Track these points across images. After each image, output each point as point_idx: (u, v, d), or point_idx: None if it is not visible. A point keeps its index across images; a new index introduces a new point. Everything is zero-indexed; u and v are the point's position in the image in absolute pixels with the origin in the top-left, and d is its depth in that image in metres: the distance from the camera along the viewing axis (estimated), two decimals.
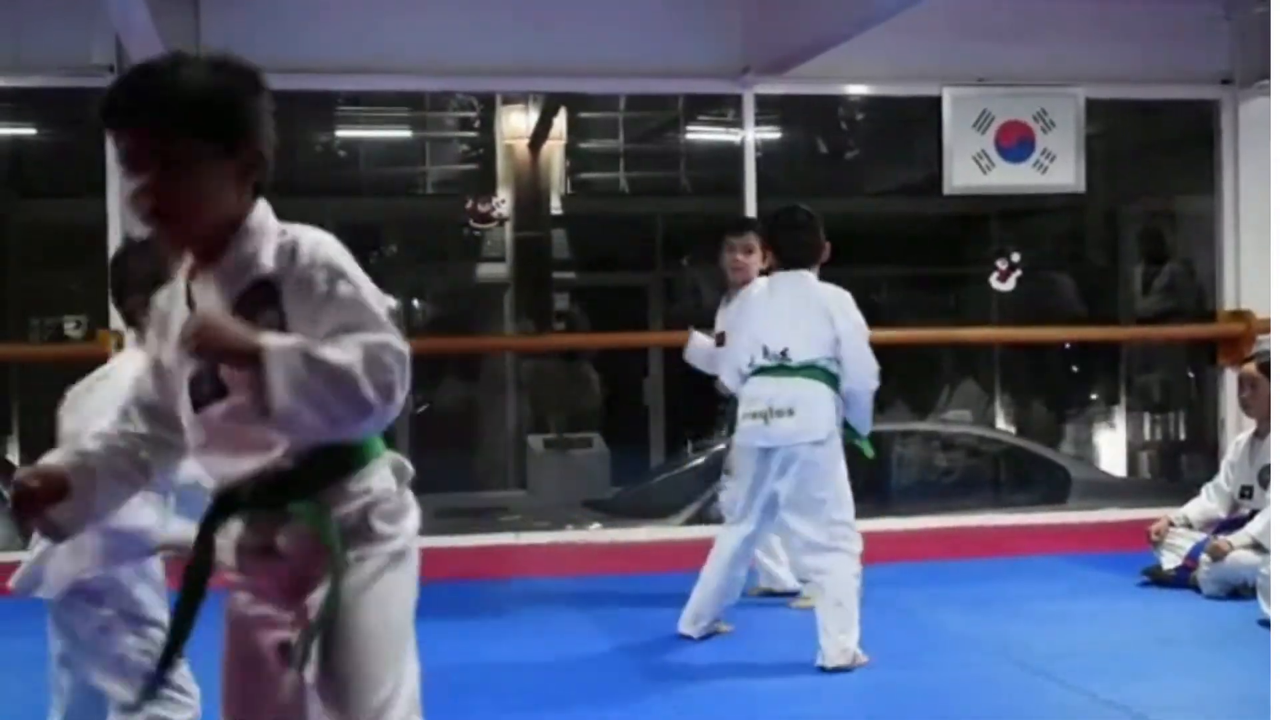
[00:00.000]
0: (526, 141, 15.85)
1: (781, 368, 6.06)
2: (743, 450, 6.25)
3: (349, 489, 2.63)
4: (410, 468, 2.77)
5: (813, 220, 6.31)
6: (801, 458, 6.02)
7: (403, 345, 2.53)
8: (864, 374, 6.11)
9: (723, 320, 7.16)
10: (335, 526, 2.59)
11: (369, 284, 2.56)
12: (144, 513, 3.68)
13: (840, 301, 6.13)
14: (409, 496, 2.75)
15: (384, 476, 2.69)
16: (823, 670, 5.83)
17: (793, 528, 6.14)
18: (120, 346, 8.60)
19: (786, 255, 6.29)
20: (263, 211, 2.64)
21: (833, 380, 6.07)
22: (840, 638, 5.85)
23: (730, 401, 6.59)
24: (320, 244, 2.57)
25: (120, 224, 8.75)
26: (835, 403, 6.08)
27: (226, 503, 2.67)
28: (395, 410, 2.55)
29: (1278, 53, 5.27)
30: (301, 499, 2.60)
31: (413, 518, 2.73)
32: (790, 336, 6.08)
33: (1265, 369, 7.41)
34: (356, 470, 2.65)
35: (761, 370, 6.11)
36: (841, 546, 5.97)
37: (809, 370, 6.05)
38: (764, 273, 6.68)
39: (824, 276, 6.26)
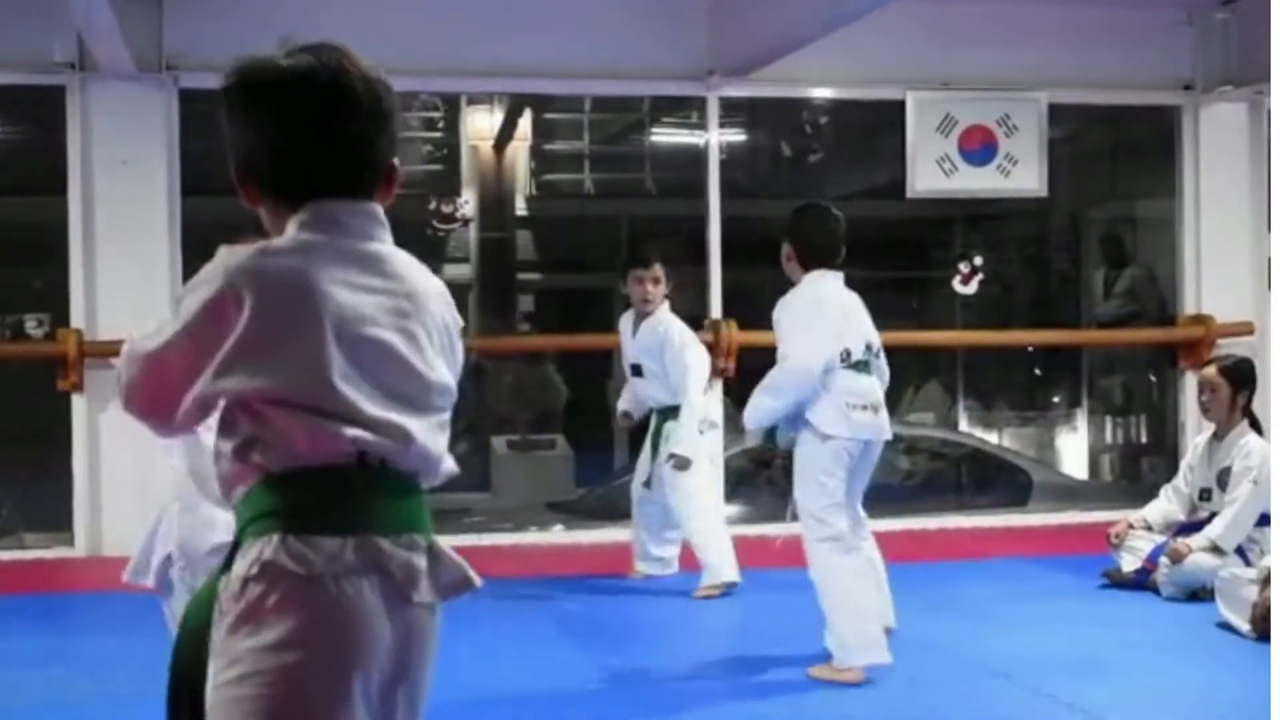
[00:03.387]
0: (491, 142, 15.82)
1: (866, 364, 6.09)
2: (849, 444, 6.00)
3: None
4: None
5: (841, 223, 6.24)
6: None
7: (148, 350, 2.38)
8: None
9: (623, 344, 7.83)
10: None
11: (195, 302, 2.33)
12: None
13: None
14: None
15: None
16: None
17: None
18: (80, 345, 8.57)
19: (829, 254, 6.17)
20: None
21: None
22: None
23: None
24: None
25: (81, 222, 8.72)
26: None
27: None
28: (138, 414, 2.44)
29: (1278, 55, 5.25)
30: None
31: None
32: (875, 337, 6.16)
33: (1225, 373, 7.45)
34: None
35: (856, 365, 6.06)
36: None
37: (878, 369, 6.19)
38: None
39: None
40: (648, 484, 7.74)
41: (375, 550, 2.30)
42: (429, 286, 2.49)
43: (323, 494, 2.30)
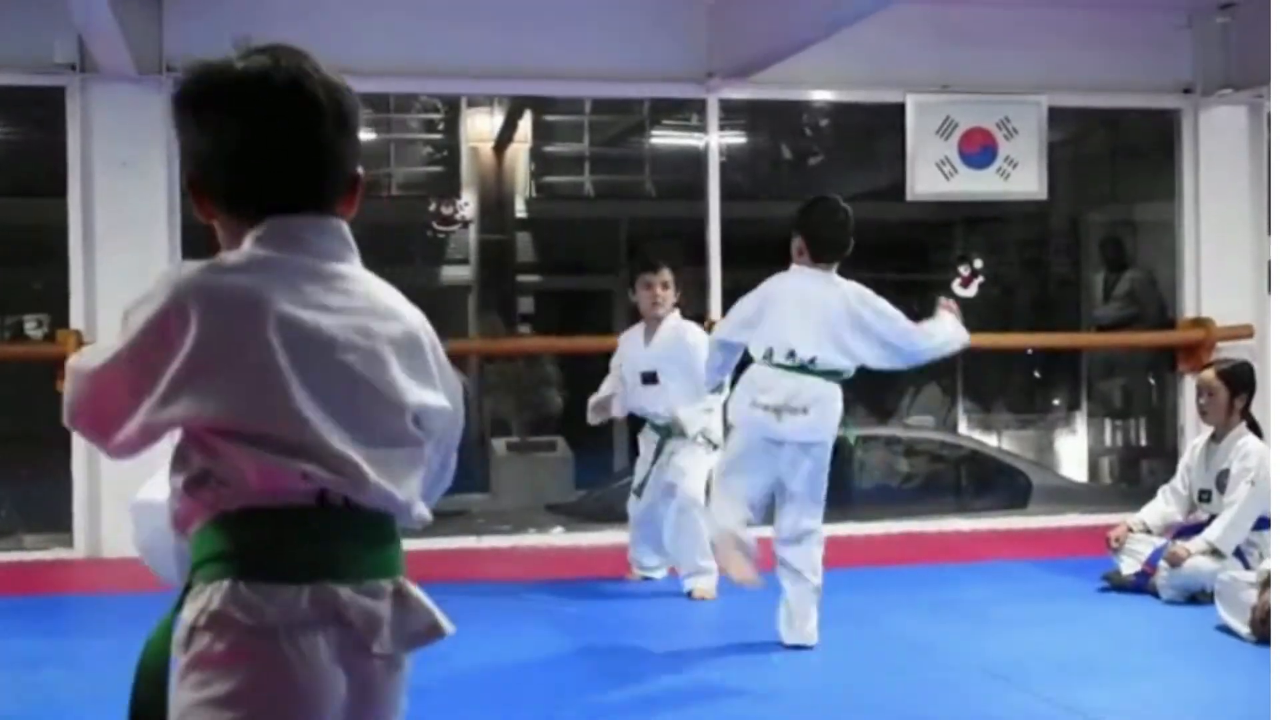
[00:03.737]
0: (491, 144, 15.84)
1: (801, 368, 6.08)
2: (748, 440, 6.16)
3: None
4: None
5: (850, 217, 6.27)
6: (814, 455, 6.13)
7: (92, 367, 2.21)
8: (917, 350, 6.37)
9: (630, 355, 7.72)
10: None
11: (139, 319, 2.15)
12: None
13: (865, 299, 6.24)
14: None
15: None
16: (782, 646, 6.17)
17: (783, 517, 6.23)
18: (80, 346, 8.57)
19: (837, 247, 6.25)
20: None
21: (842, 380, 6.20)
22: (811, 619, 6.17)
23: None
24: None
25: (81, 224, 8.72)
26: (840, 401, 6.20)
27: None
28: (84, 431, 2.26)
29: (1278, 59, 5.25)
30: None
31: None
32: (818, 345, 6.08)
33: (1223, 376, 7.45)
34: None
35: (779, 365, 6.09)
36: (817, 535, 6.20)
37: (828, 374, 6.13)
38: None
39: None
40: (639, 492, 7.68)
41: (333, 599, 2.12)
42: (398, 308, 2.30)
43: (278, 536, 2.12)
